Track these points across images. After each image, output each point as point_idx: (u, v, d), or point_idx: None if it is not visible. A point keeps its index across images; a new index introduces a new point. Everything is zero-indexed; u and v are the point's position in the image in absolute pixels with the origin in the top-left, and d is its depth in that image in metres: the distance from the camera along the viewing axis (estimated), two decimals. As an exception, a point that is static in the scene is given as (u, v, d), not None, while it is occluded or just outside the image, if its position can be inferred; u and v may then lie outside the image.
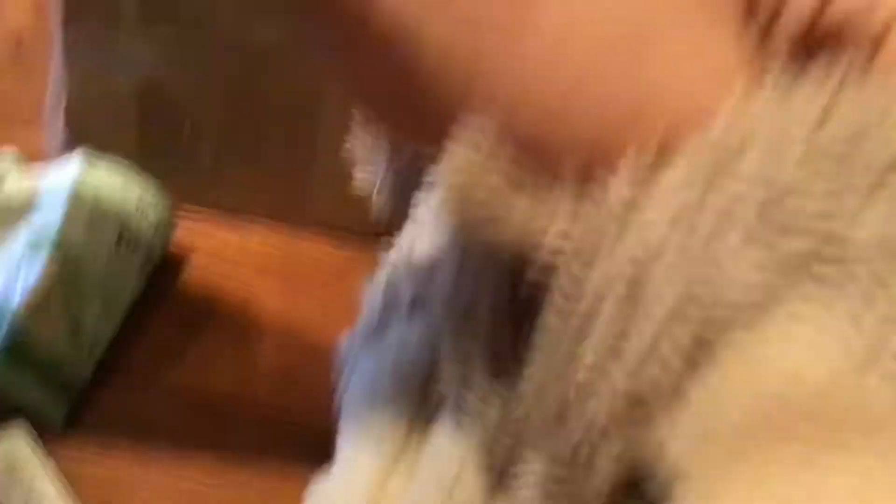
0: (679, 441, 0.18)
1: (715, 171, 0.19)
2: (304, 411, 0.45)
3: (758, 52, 0.21)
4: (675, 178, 0.19)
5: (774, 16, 0.22)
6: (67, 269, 0.45)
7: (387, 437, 0.28)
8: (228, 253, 0.53)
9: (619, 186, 0.19)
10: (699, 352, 0.18)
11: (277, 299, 0.51)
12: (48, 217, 0.47)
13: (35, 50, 0.60)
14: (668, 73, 0.19)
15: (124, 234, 0.48)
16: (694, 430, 0.18)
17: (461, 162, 0.20)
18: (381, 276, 0.34)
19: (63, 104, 0.53)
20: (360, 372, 0.33)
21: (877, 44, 0.22)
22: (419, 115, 0.21)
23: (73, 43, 0.51)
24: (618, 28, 0.19)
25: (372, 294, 0.34)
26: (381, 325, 0.33)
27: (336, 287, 0.50)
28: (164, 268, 0.51)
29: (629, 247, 0.19)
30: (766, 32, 0.22)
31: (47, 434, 0.45)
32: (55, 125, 0.54)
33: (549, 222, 0.20)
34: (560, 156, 0.20)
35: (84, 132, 0.53)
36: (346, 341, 0.34)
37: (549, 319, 0.20)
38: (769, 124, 0.19)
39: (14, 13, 0.65)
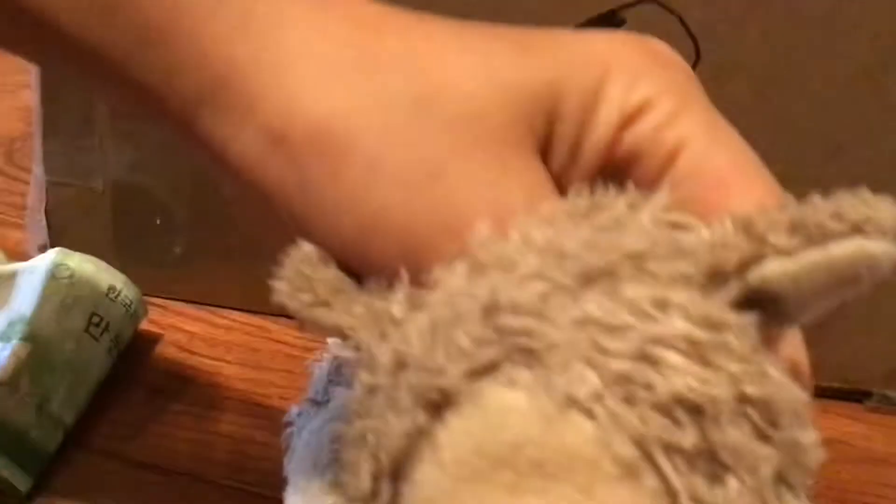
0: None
1: (460, 288, 0.23)
2: (261, 481, 0.47)
3: (559, 181, 0.26)
4: (433, 297, 0.24)
5: (573, 147, 0.26)
6: (38, 352, 0.48)
7: (327, 501, 0.31)
8: (195, 339, 0.55)
9: (394, 303, 0.24)
10: (441, 408, 0.23)
11: (240, 379, 0.53)
12: (24, 299, 0.49)
13: (25, 155, 0.63)
14: (457, 203, 0.24)
15: (94, 319, 0.50)
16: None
17: (288, 274, 0.26)
18: (328, 352, 0.37)
19: (43, 206, 0.56)
20: (304, 437, 0.35)
21: (667, 163, 0.26)
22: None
23: (51, 150, 0.54)
24: (415, 167, 0.24)
25: (318, 368, 0.37)
26: (325, 394, 0.36)
27: (298, 366, 0.52)
28: (132, 351, 0.53)
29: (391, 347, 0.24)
30: (568, 163, 0.26)
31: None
32: (37, 226, 0.57)
33: (351, 323, 0.25)
34: (373, 268, 0.25)
35: (62, 231, 0.56)
36: (295, 408, 0.37)
37: (356, 392, 0.25)
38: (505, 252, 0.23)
39: (6, 121, 0.68)
